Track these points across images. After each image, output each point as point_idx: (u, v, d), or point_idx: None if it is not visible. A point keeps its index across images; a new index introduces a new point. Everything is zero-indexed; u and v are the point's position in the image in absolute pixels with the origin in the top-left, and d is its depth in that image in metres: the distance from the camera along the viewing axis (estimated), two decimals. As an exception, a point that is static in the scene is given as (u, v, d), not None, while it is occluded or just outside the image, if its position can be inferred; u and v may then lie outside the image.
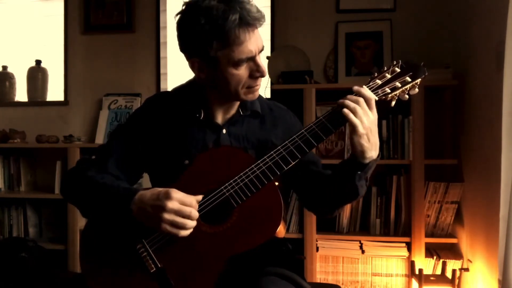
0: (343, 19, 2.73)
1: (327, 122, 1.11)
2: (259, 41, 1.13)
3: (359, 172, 1.12)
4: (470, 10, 2.31)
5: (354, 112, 1.07)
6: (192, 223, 1.06)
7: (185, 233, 1.06)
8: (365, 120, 1.07)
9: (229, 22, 1.06)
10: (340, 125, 1.11)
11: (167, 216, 1.04)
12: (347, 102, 1.08)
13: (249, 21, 1.08)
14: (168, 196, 1.05)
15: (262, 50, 1.16)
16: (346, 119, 1.07)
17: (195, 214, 1.07)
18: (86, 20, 2.99)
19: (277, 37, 2.79)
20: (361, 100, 1.08)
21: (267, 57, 2.66)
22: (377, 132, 1.11)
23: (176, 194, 1.06)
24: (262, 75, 1.16)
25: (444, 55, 2.54)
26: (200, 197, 1.11)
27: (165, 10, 2.95)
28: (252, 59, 1.13)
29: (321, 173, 1.27)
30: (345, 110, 1.07)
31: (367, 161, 1.11)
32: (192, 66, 1.18)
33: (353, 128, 1.07)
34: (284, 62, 2.66)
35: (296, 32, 2.77)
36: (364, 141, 1.08)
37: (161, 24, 2.94)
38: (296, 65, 2.63)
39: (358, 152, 1.10)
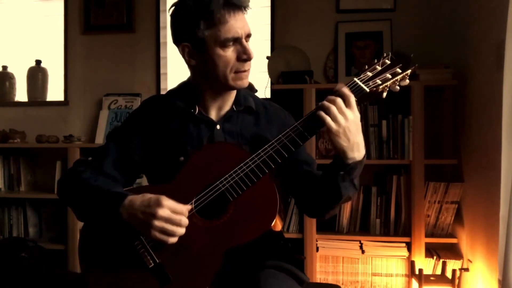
0: (343, 19, 2.73)
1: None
2: (246, 26, 1.18)
3: (341, 173, 1.12)
4: (470, 10, 2.32)
5: (327, 111, 1.08)
6: (182, 231, 1.08)
7: (174, 240, 1.08)
8: (341, 119, 1.07)
9: (214, 2, 1.13)
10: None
11: (157, 223, 1.05)
12: (323, 102, 1.10)
13: (234, 1, 1.14)
14: (159, 204, 1.06)
15: (249, 35, 1.20)
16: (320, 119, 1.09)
17: (185, 221, 1.08)
18: (86, 20, 2.99)
19: (277, 37, 2.78)
20: (338, 99, 1.08)
21: (267, 57, 2.66)
22: (359, 131, 1.11)
23: (167, 201, 1.07)
24: (249, 58, 1.18)
25: (444, 55, 2.54)
26: (189, 206, 1.11)
27: (165, 10, 2.95)
28: (238, 41, 1.17)
29: (313, 173, 1.27)
30: (320, 111, 1.09)
31: (349, 161, 1.11)
32: (183, 52, 1.21)
33: (327, 128, 1.08)
34: (284, 62, 2.66)
35: (296, 32, 2.77)
36: (342, 141, 1.09)
37: (161, 24, 2.94)
38: (296, 65, 2.63)
39: (339, 152, 1.11)
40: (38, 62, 3.01)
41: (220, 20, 1.13)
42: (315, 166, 1.30)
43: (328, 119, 1.08)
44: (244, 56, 1.18)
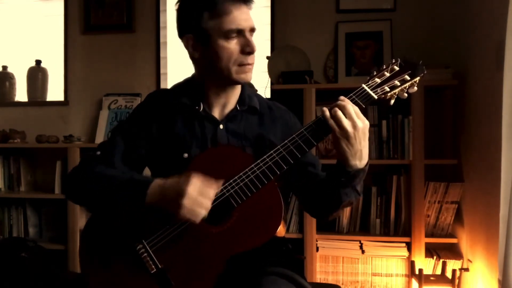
0: (343, 19, 2.73)
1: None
2: (249, 19, 1.18)
3: (342, 179, 1.12)
4: (470, 10, 2.32)
5: (334, 114, 1.08)
6: (205, 212, 1.06)
7: (198, 219, 1.06)
8: (347, 124, 1.06)
9: None
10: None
11: (186, 202, 1.04)
12: (334, 106, 1.09)
13: None
14: (189, 182, 1.06)
15: (253, 30, 1.20)
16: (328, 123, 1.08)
17: (209, 205, 1.07)
18: (86, 20, 2.99)
19: (277, 37, 2.78)
20: (348, 105, 1.08)
21: (267, 57, 2.66)
22: (365, 140, 1.09)
23: (197, 179, 1.06)
24: (252, 51, 1.18)
25: (444, 55, 2.54)
26: (221, 182, 1.10)
27: (165, 10, 2.95)
28: (242, 34, 1.17)
29: (318, 175, 1.27)
30: (325, 111, 1.09)
31: (350, 169, 1.10)
32: (187, 44, 1.22)
33: (332, 131, 1.09)
34: (284, 62, 2.66)
35: (296, 32, 2.77)
36: (345, 146, 1.08)
37: (161, 24, 2.94)
38: (296, 65, 2.63)
39: (341, 158, 1.10)
40: (38, 62, 3.01)
41: (223, 11, 1.14)
42: (319, 168, 1.30)
43: (332, 122, 1.08)
44: (247, 49, 1.18)
